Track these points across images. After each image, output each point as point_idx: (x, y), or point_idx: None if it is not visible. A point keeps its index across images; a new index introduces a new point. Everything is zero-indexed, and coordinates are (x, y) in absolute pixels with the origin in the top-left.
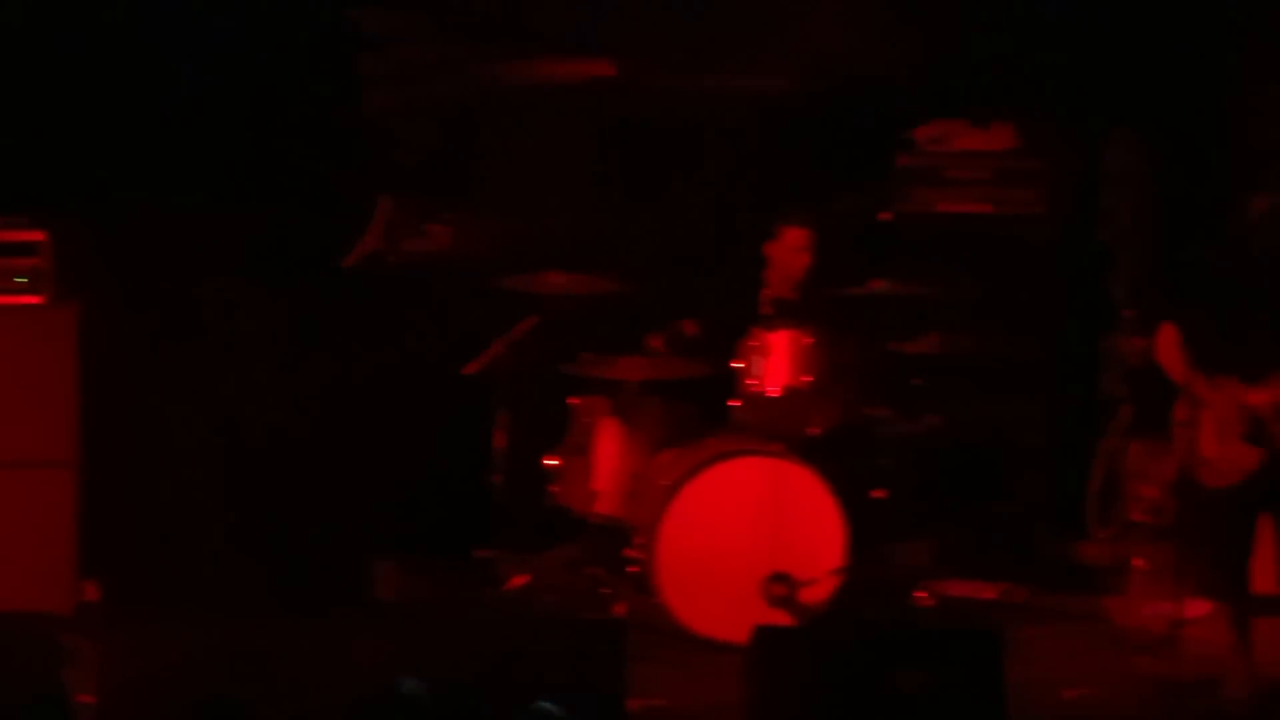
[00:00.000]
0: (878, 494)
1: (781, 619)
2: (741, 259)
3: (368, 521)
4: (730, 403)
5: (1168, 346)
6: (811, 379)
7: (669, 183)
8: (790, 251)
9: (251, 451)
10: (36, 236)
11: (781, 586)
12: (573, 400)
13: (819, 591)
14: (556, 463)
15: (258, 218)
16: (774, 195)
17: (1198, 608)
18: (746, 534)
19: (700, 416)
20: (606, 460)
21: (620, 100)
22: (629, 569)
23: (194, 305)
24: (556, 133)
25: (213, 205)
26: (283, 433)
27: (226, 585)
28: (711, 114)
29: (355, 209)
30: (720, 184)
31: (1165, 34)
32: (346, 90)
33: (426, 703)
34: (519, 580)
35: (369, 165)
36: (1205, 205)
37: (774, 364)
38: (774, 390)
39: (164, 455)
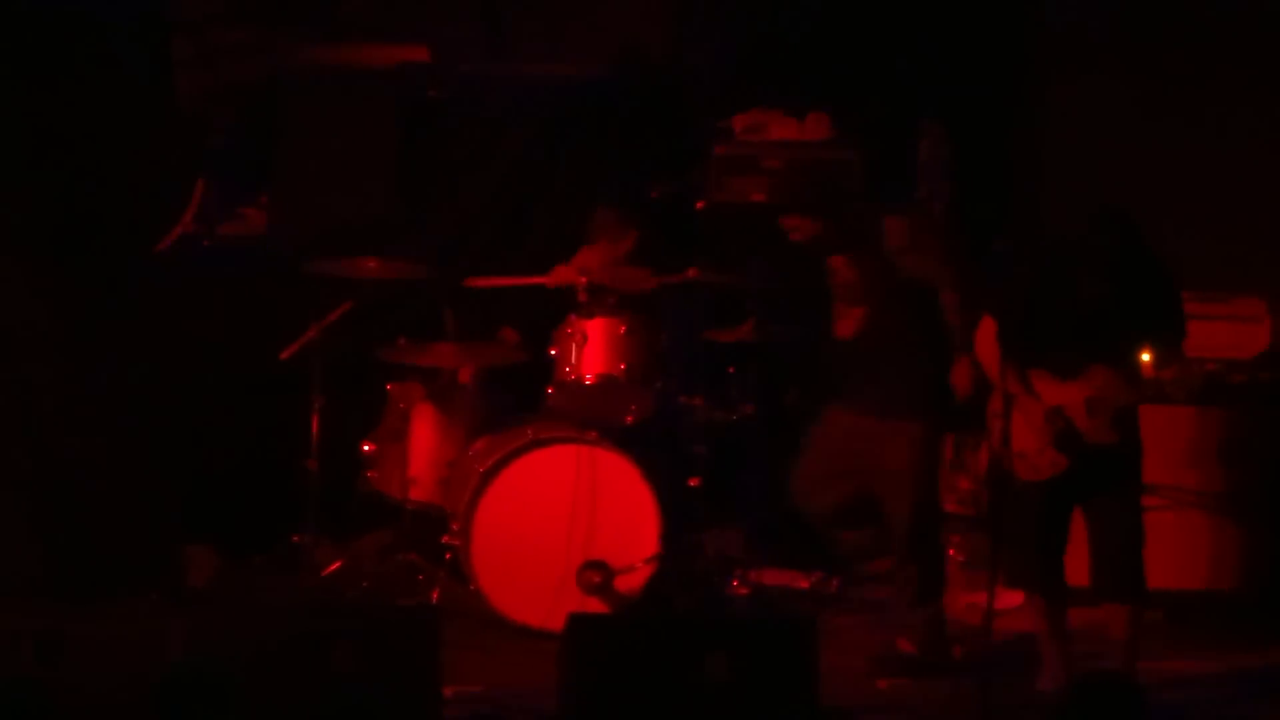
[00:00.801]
0: (692, 482)
1: (596, 607)
2: (555, 246)
3: (180, 506)
4: (546, 390)
5: (985, 339)
6: (626, 367)
7: (480, 169)
8: (598, 236)
9: (60, 438)
10: None
11: (596, 574)
12: (388, 386)
13: (633, 579)
14: (371, 448)
15: (67, 200)
16: (588, 182)
17: (1011, 599)
18: (562, 521)
19: (516, 404)
20: (422, 446)
21: (432, 85)
22: (444, 556)
23: None
24: (369, 117)
25: (15, 185)
26: (93, 419)
27: (27, 569)
28: (524, 100)
29: (169, 193)
30: (533, 170)
31: (971, 27)
32: (159, 73)
33: (232, 688)
34: (334, 566)
35: (182, 149)
36: (1011, 200)
37: (589, 352)
38: (589, 378)
39: None
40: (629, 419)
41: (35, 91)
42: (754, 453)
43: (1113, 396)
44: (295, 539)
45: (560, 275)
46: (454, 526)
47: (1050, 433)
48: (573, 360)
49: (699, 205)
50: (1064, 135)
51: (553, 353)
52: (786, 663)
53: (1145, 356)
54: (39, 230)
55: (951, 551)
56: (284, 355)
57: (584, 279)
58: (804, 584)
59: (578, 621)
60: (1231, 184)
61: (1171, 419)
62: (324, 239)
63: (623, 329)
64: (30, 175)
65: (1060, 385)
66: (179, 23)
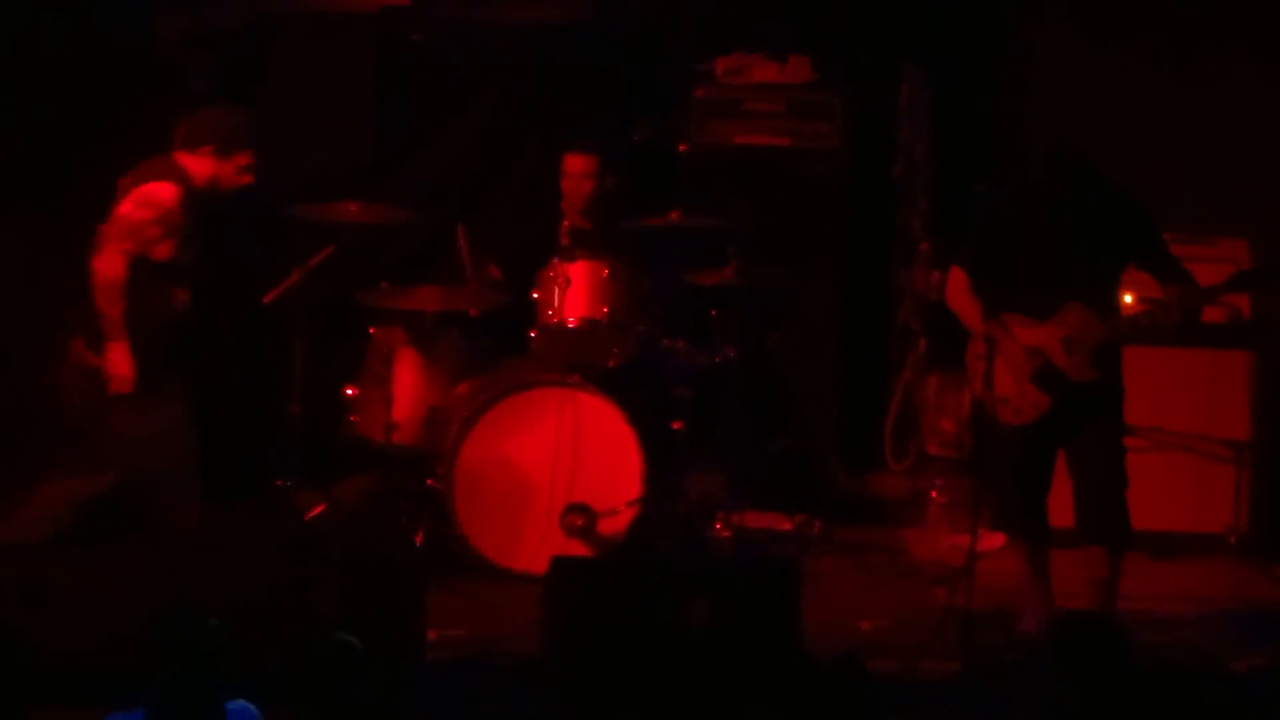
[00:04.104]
0: (675, 425)
1: (579, 550)
2: (538, 189)
3: None
4: (528, 334)
5: (956, 289)
6: (609, 310)
7: (462, 113)
8: (574, 179)
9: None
10: None
11: (579, 517)
12: (371, 330)
13: (616, 523)
14: (354, 393)
15: (44, 147)
16: (570, 125)
17: (994, 541)
18: (545, 465)
19: (498, 347)
20: (405, 391)
21: (414, 29)
22: (427, 500)
23: None
24: (350, 61)
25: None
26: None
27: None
28: (505, 44)
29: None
30: (516, 114)
31: None
32: (139, 18)
33: (217, 633)
34: (316, 510)
35: (163, 92)
36: (991, 143)
37: (572, 295)
38: (572, 321)
39: None
40: (612, 362)
41: (12, 38)
42: (736, 396)
43: (1088, 335)
44: (278, 483)
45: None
46: (437, 470)
47: (1030, 371)
48: (555, 304)
49: (681, 148)
50: (1046, 79)
51: (535, 296)
52: (769, 605)
53: (1127, 298)
54: (16, 178)
55: (934, 494)
56: (266, 300)
57: (566, 223)
58: (787, 526)
59: (561, 565)
60: (1213, 126)
61: (1154, 360)
62: (306, 183)
63: (605, 272)
64: (6, 123)
65: (1036, 327)
66: None
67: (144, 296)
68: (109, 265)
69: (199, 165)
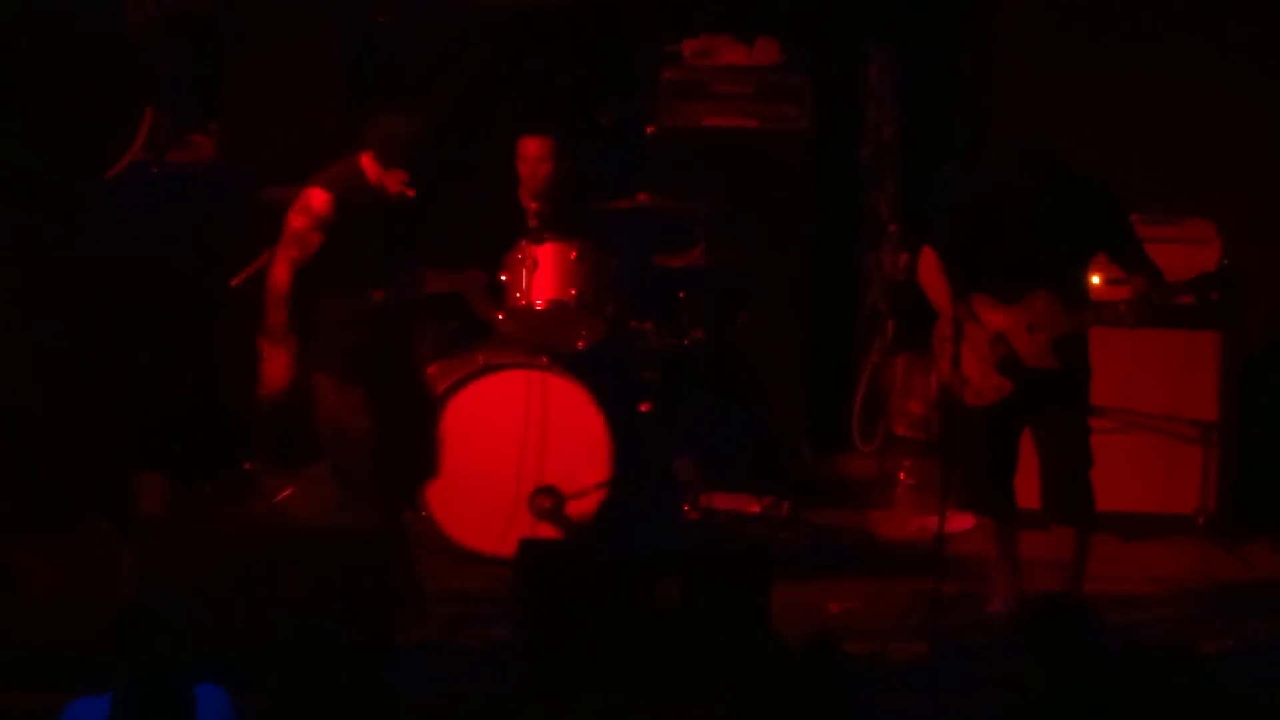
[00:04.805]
0: (643, 408)
1: (548, 532)
2: (506, 171)
3: (131, 434)
4: (496, 315)
5: (927, 269)
6: (577, 292)
7: (429, 95)
8: (530, 163)
9: (8, 368)
10: None
11: (548, 500)
12: None
13: (585, 505)
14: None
15: (14, 129)
16: (537, 107)
17: (961, 522)
18: (513, 447)
19: (466, 329)
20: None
21: (381, 11)
22: None
23: None
24: (318, 43)
25: None
26: (42, 348)
27: None
28: (472, 25)
29: (118, 120)
30: (483, 96)
31: None
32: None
33: (183, 616)
34: (285, 493)
35: (131, 76)
36: (959, 124)
37: (540, 277)
38: (540, 304)
39: None
40: (580, 344)
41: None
42: (704, 378)
43: (1053, 322)
44: (247, 466)
45: None
46: None
47: (994, 358)
48: (523, 286)
49: (648, 130)
50: (1013, 59)
51: (503, 278)
52: (738, 588)
53: (1095, 279)
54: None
55: (902, 475)
56: (234, 282)
57: (534, 205)
58: (755, 508)
59: (530, 547)
60: (1182, 106)
61: (1121, 341)
62: (274, 166)
63: (573, 254)
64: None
65: (1003, 311)
66: None
67: (327, 299)
68: (276, 272)
69: (372, 167)
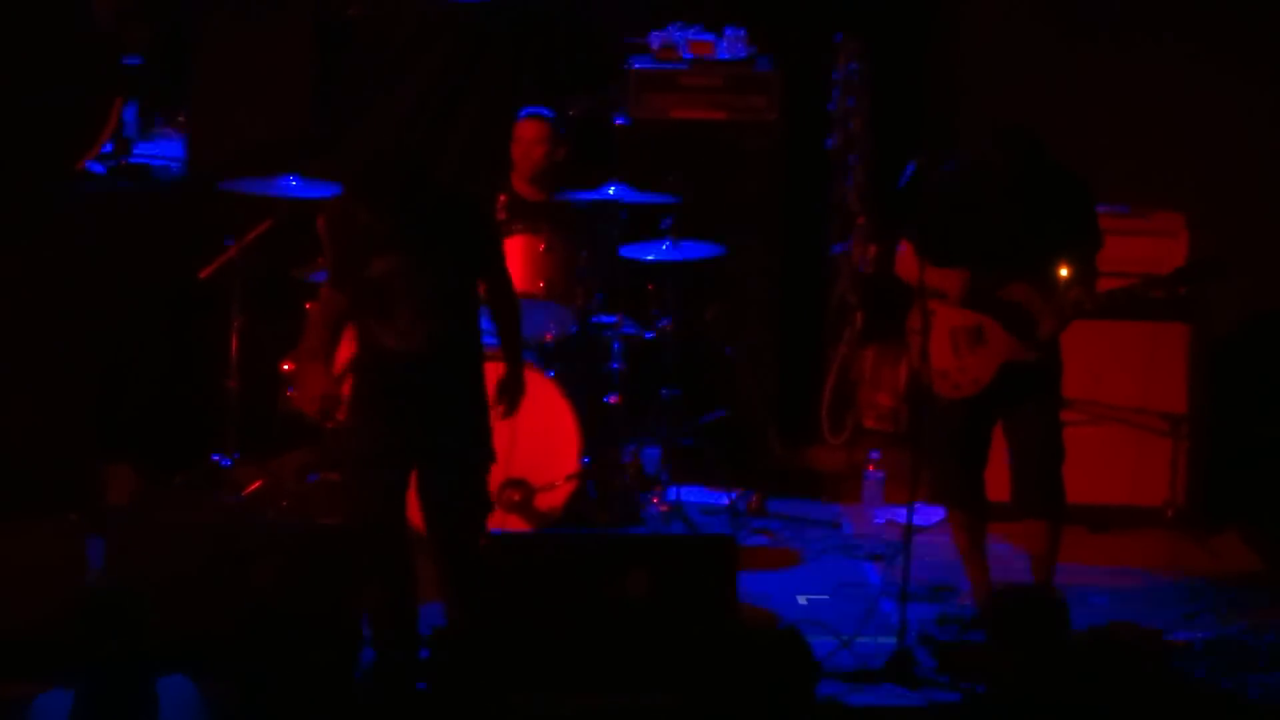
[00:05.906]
0: (612, 399)
1: (517, 524)
2: (472, 163)
3: (99, 426)
4: None
5: (906, 262)
6: (546, 284)
7: (398, 87)
8: (526, 144)
9: None
10: None
11: (516, 492)
12: (308, 305)
13: (554, 497)
14: (291, 367)
15: None
16: (507, 97)
17: (931, 514)
18: None
19: None
20: (343, 365)
21: (349, 2)
22: None
23: None
24: (287, 34)
25: None
26: (8, 339)
27: None
28: (442, 17)
29: (86, 111)
30: (451, 88)
31: None
32: None
33: (145, 608)
34: (254, 485)
35: (100, 67)
36: (928, 116)
37: (509, 269)
38: None
39: None
40: (548, 336)
41: None
42: (673, 369)
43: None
44: (215, 458)
45: None
46: None
47: (968, 349)
48: None
49: (617, 122)
50: (981, 51)
51: None
52: (705, 579)
53: (1064, 272)
54: None
55: (871, 467)
56: (203, 274)
57: (503, 196)
58: (724, 500)
59: (498, 539)
60: (1149, 99)
61: (1090, 333)
62: (242, 157)
63: (542, 246)
64: None
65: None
66: None
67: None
68: (322, 292)
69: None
